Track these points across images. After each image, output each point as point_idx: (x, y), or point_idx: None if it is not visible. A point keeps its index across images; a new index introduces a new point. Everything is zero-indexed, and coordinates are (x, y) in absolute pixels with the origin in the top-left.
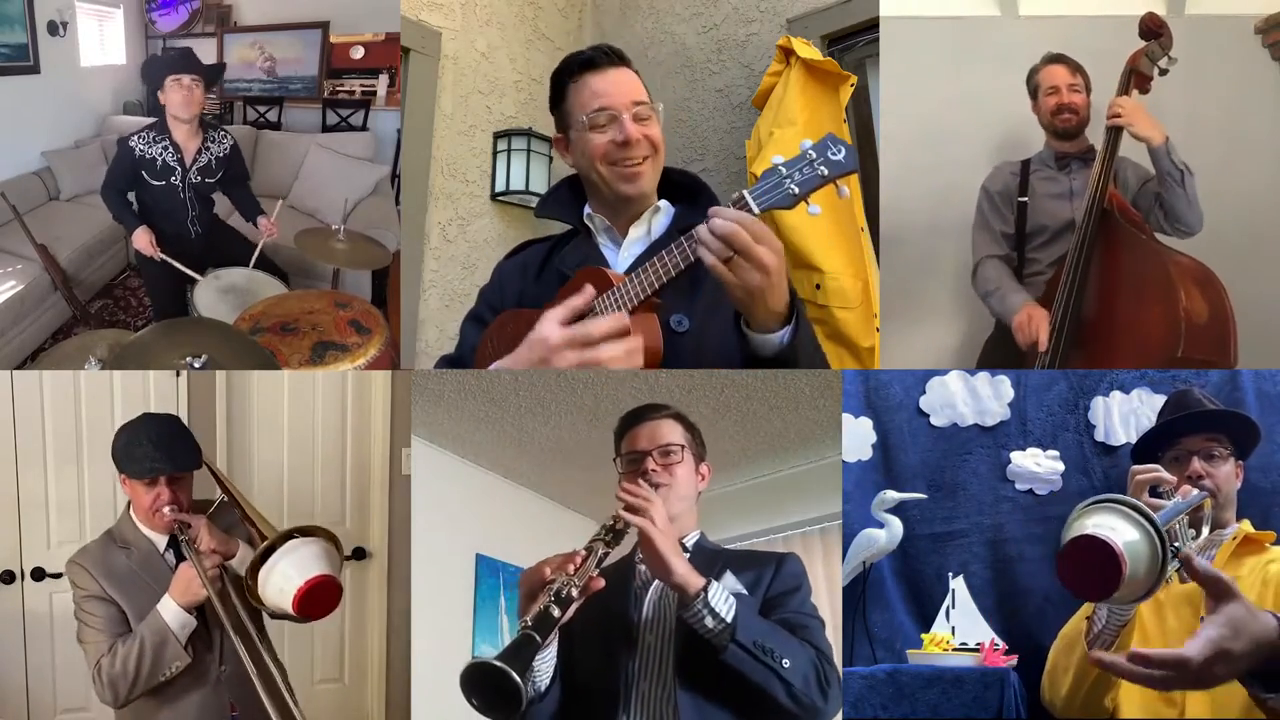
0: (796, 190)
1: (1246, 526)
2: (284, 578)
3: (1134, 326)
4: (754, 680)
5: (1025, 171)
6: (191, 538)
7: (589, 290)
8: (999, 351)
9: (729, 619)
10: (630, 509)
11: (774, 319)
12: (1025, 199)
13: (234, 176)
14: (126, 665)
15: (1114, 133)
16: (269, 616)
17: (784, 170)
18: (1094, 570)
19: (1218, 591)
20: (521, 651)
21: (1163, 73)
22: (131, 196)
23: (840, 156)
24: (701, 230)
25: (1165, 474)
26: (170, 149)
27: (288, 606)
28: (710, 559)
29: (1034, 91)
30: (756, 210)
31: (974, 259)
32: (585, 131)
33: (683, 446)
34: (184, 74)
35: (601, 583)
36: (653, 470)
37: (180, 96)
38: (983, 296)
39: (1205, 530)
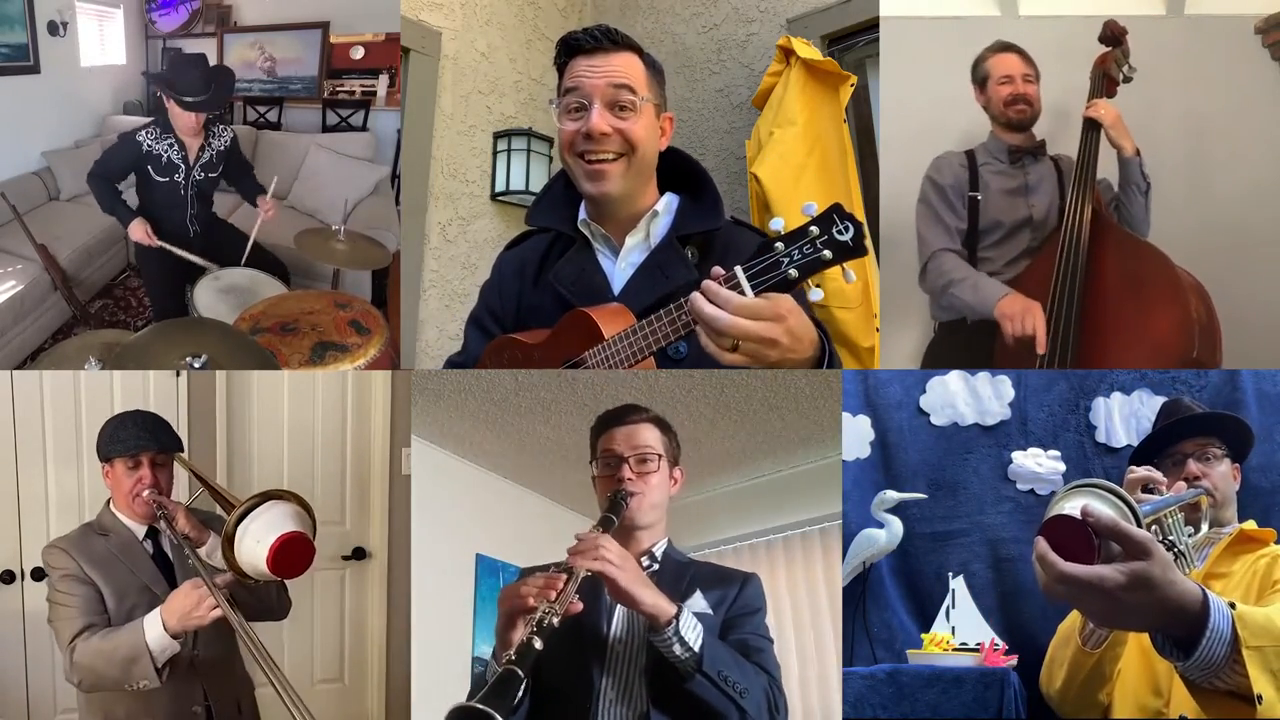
0: (795, 274)
1: (1251, 523)
2: (256, 539)
3: (1144, 329)
4: (715, 707)
5: (973, 163)
6: (169, 515)
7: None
8: (942, 357)
9: (696, 648)
10: (588, 559)
11: (806, 365)
12: (977, 194)
13: (236, 166)
14: (95, 663)
15: (1093, 132)
16: (248, 585)
17: (782, 247)
18: (1068, 550)
19: (1132, 550)
20: (507, 690)
21: (1127, 80)
22: (128, 191)
23: (847, 237)
24: (700, 328)
25: (1156, 474)
26: (175, 146)
27: (262, 565)
28: (678, 571)
29: (982, 80)
30: (750, 294)
31: (922, 255)
32: (561, 116)
33: (660, 455)
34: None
35: (580, 606)
36: (628, 479)
37: (184, 120)
38: (941, 289)
39: (1204, 527)
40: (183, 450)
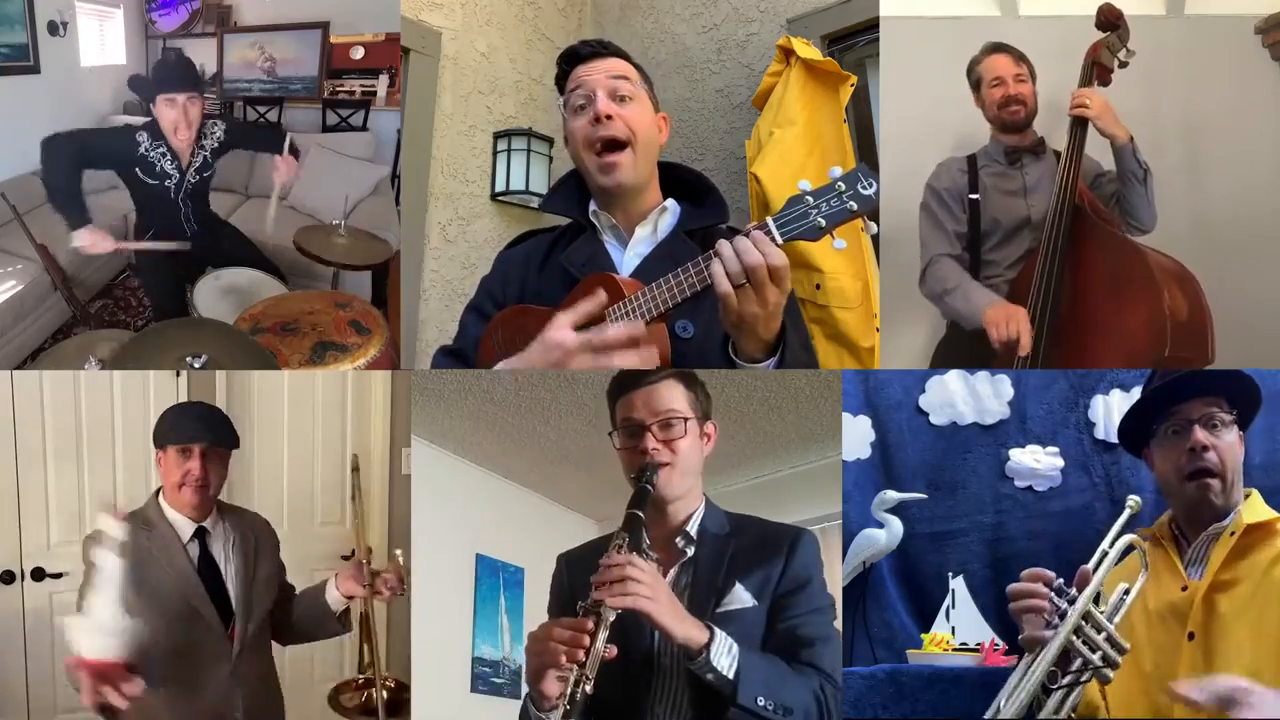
0: (823, 223)
1: (1256, 501)
2: None
3: (1118, 327)
4: None
5: (973, 167)
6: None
7: (601, 295)
8: (953, 355)
9: (730, 675)
10: (616, 594)
11: (760, 348)
12: (977, 196)
13: (247, 137)
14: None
15: (1079, 126)
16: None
17: (810, 200)
18: None
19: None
20: None
21: (1122, 65)
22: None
23: (870, 191)
24: (725, 250)
25: (1038, 588)
26: (169, 157)
27: None
28: (716, 552)
29: (976, 84)
30: (780, 241)
31: (923, 260)
32: (569, 118)
33: (685, 418)
34: (178, 93)
35: (614, 652)
36: (654, 449)
37: (173, 115)
38: (937, 296)
39: (1141, 577)
40: (238, 447)
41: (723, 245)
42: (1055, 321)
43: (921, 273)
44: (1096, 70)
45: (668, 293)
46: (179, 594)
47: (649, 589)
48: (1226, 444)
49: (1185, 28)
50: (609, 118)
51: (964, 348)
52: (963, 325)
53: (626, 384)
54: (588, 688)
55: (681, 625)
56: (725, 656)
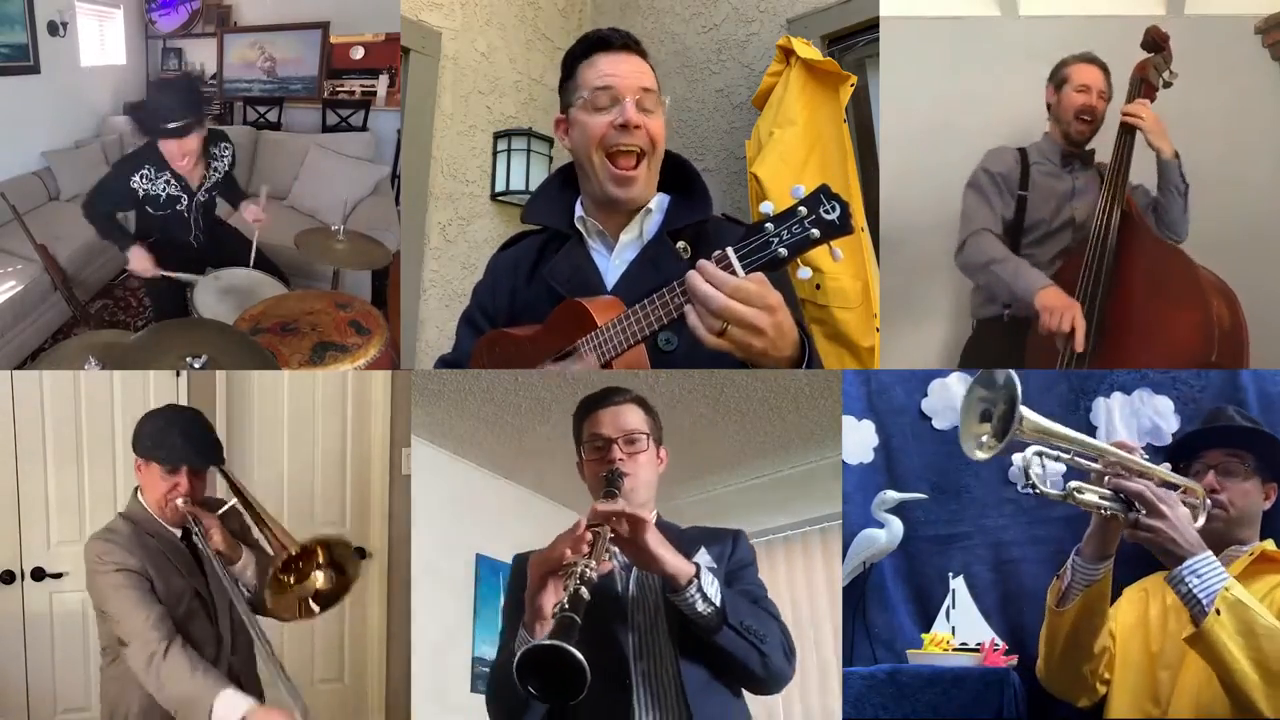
0: (784, 253)
1: (1269, 545)
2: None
3: (1162, 330)
4: (738, 656)
5: (1025, 160)
6: (204, 530)
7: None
8: (980, 355)
9: (718, 602)
10: (616, 520)
11: (784, 364)
12: (1025, 193)
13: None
14: (167, 684)
15: (1128, 135)
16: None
17: (771, 228)
18: None
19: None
20: (570, 632)
21: (1167, 85)
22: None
23: (834, 216)
24: (689, 315)
25: (1130, 443)
26: (174, 183)
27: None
28: (676, 536)
29: (1060, 83)
30: (741, 274)
31: (963, 233)
32: (586, 111)
33: (646, 435)
34: (175, 124)
35: (610, 565)
36: (619, 460)
37: (173, 148)
38: (980, 266)
39: (1201, 519)
40: (224, 463)
41: (689, 280)
42: (1099, 320)
43: (961, 244)
44: (1144, 88)
45: (636, 327)
46: (195, 593)
47: (646, 519)
48: (1239, 490)
49: (1185, 28)
50: (637, 127)
51: (991, 347)
52: (1001, 299)
53: (592, 404)
54: (593, 574)
55: (673, 555)
56: (712, 586)
